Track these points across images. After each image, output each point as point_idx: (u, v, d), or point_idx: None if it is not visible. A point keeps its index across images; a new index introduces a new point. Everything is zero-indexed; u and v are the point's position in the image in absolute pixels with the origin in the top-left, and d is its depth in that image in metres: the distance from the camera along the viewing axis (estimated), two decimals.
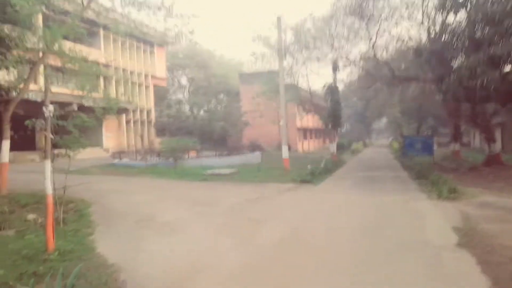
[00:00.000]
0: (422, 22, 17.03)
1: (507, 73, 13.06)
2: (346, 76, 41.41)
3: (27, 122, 7.35)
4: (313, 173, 14.96)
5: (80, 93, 12.76)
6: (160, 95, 44.10)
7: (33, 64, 11.25)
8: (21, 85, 11.57)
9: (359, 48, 20.76)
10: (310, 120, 43.51)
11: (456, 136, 23.07)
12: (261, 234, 6.75)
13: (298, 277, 4.56)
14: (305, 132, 44.49)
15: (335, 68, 20.82)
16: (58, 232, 6.95)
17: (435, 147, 22.06)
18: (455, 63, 14.60)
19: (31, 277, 4.39)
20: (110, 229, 7.20)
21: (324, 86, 21.37)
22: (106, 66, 32.54)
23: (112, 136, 33.01)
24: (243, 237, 6.58)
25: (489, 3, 12.49)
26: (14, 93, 11.48)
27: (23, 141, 28.46)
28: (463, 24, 13.68)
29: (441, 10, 14.15)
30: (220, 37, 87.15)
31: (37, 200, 9.53)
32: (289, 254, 5.50)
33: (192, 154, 21.89)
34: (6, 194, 10.28)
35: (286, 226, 7.23)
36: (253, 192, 11.36)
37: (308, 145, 44.33)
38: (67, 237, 6.56)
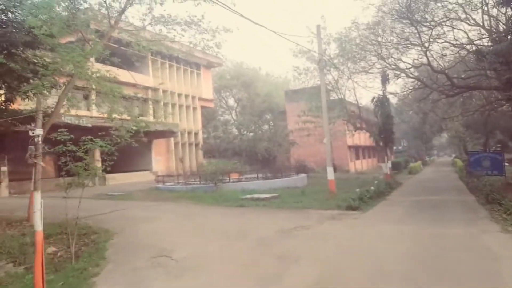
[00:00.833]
0: (482, 23, 15.06)
1: None
2: (399, 88, 38.96)
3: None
4: (361, 197, 13.39)
5: (114, 116, 12.68)
6: (208, 116, 44.54)
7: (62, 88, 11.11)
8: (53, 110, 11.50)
9: (411, 56, 18.83)
10: (363, 138, 41.26)
11: None
12: (290, 277, 5.59)
13: None
14: (357, 151, 42.22)
15: (384, 80, 19.14)
16: (66, 271, 6.32)
17: (505, 164, 19.38)
18: None
19: None
20: (119, 267, 6.41)
21: (373, 99, 19.69)
22: (155, 90, 33.41)
23: (161, 160, 33.43)
24: (266, 281, 5.45)
25: None
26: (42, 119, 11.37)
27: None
28: None
29: (504, 7, 12.25)
30: (265, 55, 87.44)
31: (62, 230, 9.12)
32: None
33: (234, 176, 21.10)
34: None
35: (320, 267, 5.99)
36: (289, 221, 10.16)
37: (361, 165, 41.93)
38: (68, 278, 5.85)
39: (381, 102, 19.31)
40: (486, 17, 15.25)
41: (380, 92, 19.81)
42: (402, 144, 63.49)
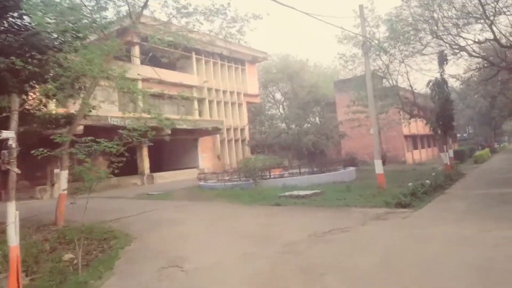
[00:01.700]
0: None
1: None
2: (461, 71, 35.34)
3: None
4: (414, 192, 11.78)
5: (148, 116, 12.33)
6: (256, 112, 43.90)
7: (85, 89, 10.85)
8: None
9: (473, 32, 16.41)
10: (421, 126, 38.12)
11: None
12: None
13: None
14: (415, 140, 39.17)
15: (441, 60, 16.96)
16: (68, 284, 5.82)
17: None
18: None
19: None
20: (122, 281, 5.78)
21: (428, 83, 17.57)
22: (200, 88, 33.37)
23: (207, 157, 33.37)
24: None
25: None
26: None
27: (127, 166, 30.51)
28: None
29: None
30: (312, 45, 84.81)
31: (84, 236, 8.79)
32: None
33: (277, 172, 20.13)
34: (61, 228, 9.88)
35: (347, 286, 4.87)
36: (327, 222, 9.02)
37: (419, 155, 38.88)
38: None
39: (438, 85, 17.15)
40: None
41: (437, 75, 17.63)
42: (468, 131, 58.32)
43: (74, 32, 9.78)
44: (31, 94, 11.57)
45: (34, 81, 10.13)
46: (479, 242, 6.36)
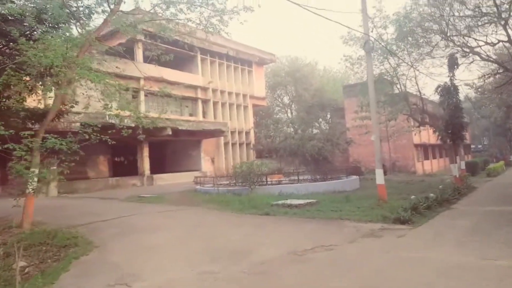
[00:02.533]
0: None
1: None
2: (476, 77, 33.88)
3: None
4: (415, 207, 10.76)
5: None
6: (265, 115, 43.05)
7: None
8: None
9: (485, 33, 15.23)
10: (432, 135, 36.70)
11: None
12: None
13: None
14: (426, 150, 37.77)
15: (451, 64, 15.84)
16: None
17: None
18: None
19: None
20: None
21: (437, 88, 16.42)
22: (204, 89, 32.69)
23: (210, 159, 32.61)
24: None
25: None
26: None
27: (127, 167, 30.01)
28: None
29: None
30: (322, 49, 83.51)
31: (45, 240, 8.05)
32: None
33: (276, 178, 19.22)
34: (25, 231, 9.16)
35: None
36: (313, 237, 8.11)
37: (430, 166, 37.44)
38: None
39: (448, 91, 16.02)
40: None
41: (447, 80, 16.48)
42: (482, 142, 56.43)
43: (50, 21, 9.14)
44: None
45: None
46: (479, 274, 5.35)
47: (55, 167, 22.71)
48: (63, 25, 9.86)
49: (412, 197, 12.34)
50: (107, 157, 29.69)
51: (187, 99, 32.13)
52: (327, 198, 14.13)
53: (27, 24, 9.05)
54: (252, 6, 10.57)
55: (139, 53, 28.53)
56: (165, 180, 27.93)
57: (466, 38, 15.34)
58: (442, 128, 16.48)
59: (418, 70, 19.02)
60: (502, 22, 13.61)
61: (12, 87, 10.24)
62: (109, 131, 9.30)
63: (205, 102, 33.03)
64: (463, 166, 23.73)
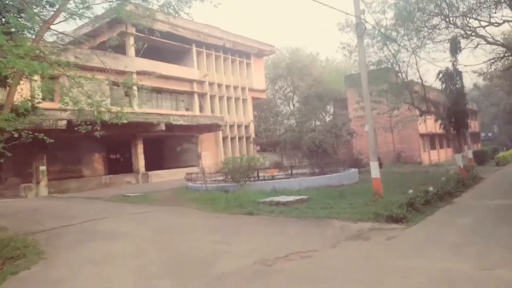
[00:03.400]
0: None
1: None
2: (482, 62, 32.44)
3: None
4: (412, 202, 9.79)
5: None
6: (266, 108, 42.08)
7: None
8: None
9: (490, 14, 14.03)
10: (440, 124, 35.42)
11: None
12: None
13: None
14: (433, 139, 36.46)
15: (454, 48, 14.70)
16: None
17: None
18: None
19: None
20: None
21: (438, 74, 15.29)
22: (200, 82, 31.79)
23: (208, 155, 31.75)
24: None
25: None
26: None
27: (123, 164, 29.34)
28: None
29: None
30: (325, 39, 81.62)
31: None
32: None
33: (271, 172, 18.35)
34: None
35: None
36: (291, 241, 7.25)
37: (437, 156, 36.15)
38: None
39: (450, 76, 14.89)
40: None
41: (450, 65, 15.34)
42: (492, 130, 54.75)
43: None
44: None
45: None
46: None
47: (44, 167, 22.22)
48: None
49: (410, 191, 11.34)
50: (102, 154, 29.08)
51: (182, 93, 31.33)
52: (320, 194, 13.21)
53: None
54: None
55: (130, 47, 27.67)
56: (161, 177, 27.20)
57: (468, 19, 14.17)
58: (444, 116, 15.38)
59: (419, 57, 17.89)
60: (508, 1, 12.45)
61: None
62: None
63: (201, 96, 32.16)
64: (470, 155, 22.62)
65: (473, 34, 14.45)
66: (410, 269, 5.29)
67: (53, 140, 8.18)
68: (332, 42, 79.04)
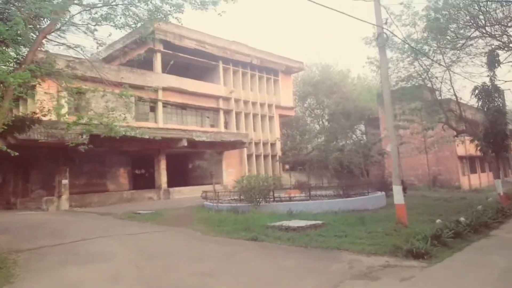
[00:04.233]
0: None
1: None
2: None
3: None
4: (439, 235, 8.50)
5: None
6: (296, 126, 41.13)
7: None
8: None
9: None
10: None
11: None
12: None
13: None
14: (473, 162, 33.92)
15: (491, 61, 13.27)
16: None
17: None
18: None
19: None
20: None
21: (474, 90, 13.82)
22: (226, 99, 31.51)
23: (233, 172, 31.11)
24: None
25: None
26: None
27: (146, 179, 29.25)
28: None
29: None
30: (356, 56, 79.60)
31: None
32: None
33: (292, 193, 17.31)
34: None
35: None
36: (284, 278, 6.25)
37: (478, 180, 33.49)
38: None
39: (487, 93, 13.42)
40: None
41: (487, 80, 13.86)
42: None
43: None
44: None
45: None
46: None
47: (66, 181, 22.29)
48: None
49: (438, 221, 10.00)
50: (127, 169, 29.16)
51: (208, 110, 31.13)
52: (338, 219, 12.05)
53: None
54: None
55: (157, 63, 27.90)
56: (183, 193, 26.74)
57: (507, 28, 12.78)
58: (481, 136, 13.83)
59: (453, 72, 16.49)
60: None
61: None
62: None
63: (227, 112, 31.81)
64: None
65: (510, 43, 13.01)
66: None
67: (17, 154, 7.62)
68: (363, 59, 76.89)
